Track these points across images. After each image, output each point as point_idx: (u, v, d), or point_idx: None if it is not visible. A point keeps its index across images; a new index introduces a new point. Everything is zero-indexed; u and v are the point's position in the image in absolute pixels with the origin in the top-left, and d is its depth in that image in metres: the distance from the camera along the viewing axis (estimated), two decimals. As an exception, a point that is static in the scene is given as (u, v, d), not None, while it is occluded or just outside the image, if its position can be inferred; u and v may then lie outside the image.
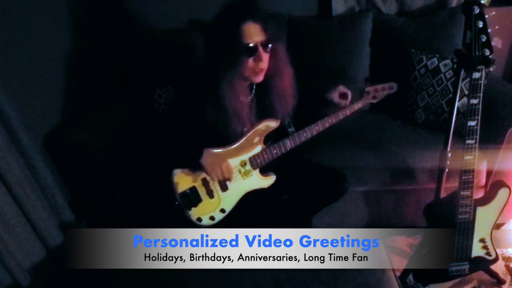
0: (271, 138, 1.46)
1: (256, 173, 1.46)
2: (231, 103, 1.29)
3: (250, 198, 1.46)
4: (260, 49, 1.23)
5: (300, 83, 1.43)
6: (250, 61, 1.24)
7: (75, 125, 1.58)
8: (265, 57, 1.25)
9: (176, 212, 1.40)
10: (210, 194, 1.41)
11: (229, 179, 1.39)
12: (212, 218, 1.41)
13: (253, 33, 1.22)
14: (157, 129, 1.41)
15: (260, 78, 1.30)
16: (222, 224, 1.43)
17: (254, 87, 1.40)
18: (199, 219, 1.40)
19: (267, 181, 1.48)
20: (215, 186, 1.42)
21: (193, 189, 1.39)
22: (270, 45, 1.25)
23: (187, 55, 1.92)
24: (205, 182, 1.40)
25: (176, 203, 1.39)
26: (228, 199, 1.43)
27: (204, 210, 1.41)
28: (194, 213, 1.40)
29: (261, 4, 1.28)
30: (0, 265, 1.19)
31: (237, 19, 1.21)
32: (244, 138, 1.41)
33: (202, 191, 1.40)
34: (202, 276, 1.16)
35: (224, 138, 1.37)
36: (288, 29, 2.01)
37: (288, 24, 2.02)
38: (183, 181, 1.40)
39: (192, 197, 1.39)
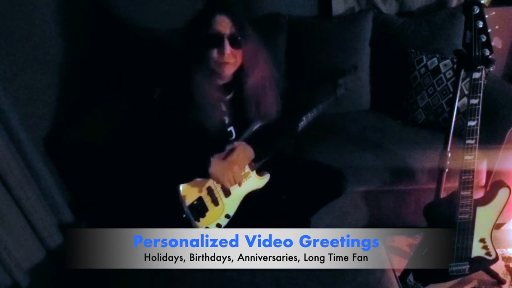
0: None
1: (253, 174, 1.47)
2: (199, 95, 1.29)
3: (250, 200, 1.46)
4: (226, 40, 1.24)
5: (287, 89, 1.46)
6: (215, 52, 1.25)
7: (75, 125, 1.58)
8: (231, 50, 1.25)
9: (184, 224, 1.38)
10: (215, 202, 1.40)
11: (240, 183, 1.40)
12: (218, 225, 1.41)
13: (220, 24, 1.24)
14: (152, 137, 1.41)
15: (225, 72, 1.30)
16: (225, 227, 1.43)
17: (232, 87, 1.39)
18: (206, 228, 1.40)
19: (263, 180, 1.49)
20: (219, 194, 1.41)
21: (200, 200, 1.38)
22: (237, 39, 1.25)
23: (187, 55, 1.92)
24: (210, 191, 1.40)
25: (184, 216, 1.37)
26: (231, 204, 1.44)
27: (211, 219, 1.40)
28: (202, 224, 1.38)
29: (240, 2, 1.31)
30: (0, 266, 1.18)
31: (208, 10, 1.26)
32: (243, 138, 1.43)
33: (208, 200, 1.39)
34: (202, 276, 1.16)
35: (211, 137, 1.36)
36: (288, 29, 2.01)
37: (288, 24, 2.02)
38: (189, 193, 1.37)
39: (200, 208, 1.38)
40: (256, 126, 1.45)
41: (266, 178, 1.49)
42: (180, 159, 1.37)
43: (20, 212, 1.29)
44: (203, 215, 1.38)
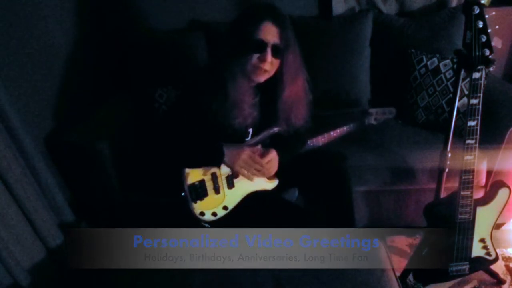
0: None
1: None
2: (232, 93, 1.29)
3: (253, 199, 1.46)
4: (269, 49, 1.25)
5: (313, 106, 1.47)
6: (255, 57, 1.26)
7: (75, 125, 1.58)
8: (271, 59, 1.27)
9: (180, 204, 1.40)
10: (217, 189, 1.41)
11: (264, 172, 1.40)
12: (214, 214, 1.41)
13: (268, 32, 1.24)
14: (161, 128, 1.41)
15: (260, 79, 1.31)
16: (223, 221, 1.43)
17: (259, 90, 1.40)
18: (202, 213, 1.40)
19: (271, 184, 1.49)
20: (222, 183, 1.42)
21: (202, 182, 1.39)
22: (279, 50, 1.26)
23: (187, 55, 1.92)
24: (214, 177, 1.41)
25: (183, 194, 1.39)
26: (232, 197, 1.44)
27: (208, 205, 1.41)
28: (198, 206, 1.40)
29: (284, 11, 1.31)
30: (0, 265, 1.19)
31: (258, 15, 1.25)
32: (257, 138, 1.44)
33: (209, 186, 1.41)
34: (202, 276, 1.16)
35: (228, 134, 1.37)
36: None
37: (288, 24, 2.02)
38: (193, 172, 1.39)
39: (200, 190, 1.39)
40: (273, 130, 1.46)
41: (274, 182, 1.50)
42: (193, 150, 1.38)
43: (20, 212, 1.29)
44: (201, 199, 1.39)
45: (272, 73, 1.32)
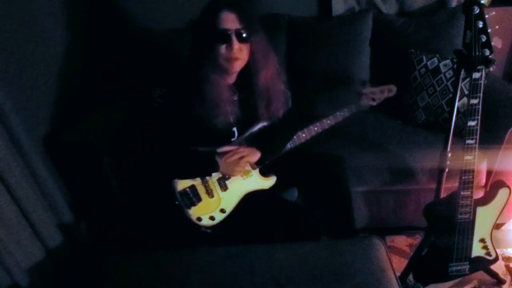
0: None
1: (255, 173, 1.46)
2: (210, 91, 1.29)
3: (252, 200, 1.45)
4: (233, 36, 1.24)
5: (294, 86, 1.44)
6: (223, 48, 1.26)
7: (74, 125, 1.58)
8: (239, 45, 1.26)
9: (177, 211, 1.40)
10: (210, 193, 1.41)
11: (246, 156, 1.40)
12: (212, 218, 1.41)
13: (227, 20, 1.24)
14: (152, 141, 1.42)
15: (235, 68, 1.31)
16: (223, 225, 1.43)
17: (236, 87, 1.40)
18: (199, 219, 1.40)
19: (268, 182, 1.48)
20: (214, 186, 1.42)
21: (193, 188, 1.39)
22: (244, 35, 1.25)
23: (186, 55, 1.91)
24: (204, 181, 1.40)
25: (177, 202, 1.39)
26: (228, 199, 1.43)
27: (204, 209, 1.41)
28: (194, 212, 1.39)
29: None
30: (-1, 265, 1.19)
31: (214, 6, 1.25)
32: (243, 136, 1.43)
33: (201, 190, 1.40)
34: (200, 276, 1.15)
35: (214, 137, 1.37)
36: (288, 29, 2.01)
37: (288, 24, 2.02)
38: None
39: (192, 196, 1.39)
40: (258, 126, 1.45)
41: (272, 180, 1.49)
42: (187, 163, 1.38)
43: (19, 212, 1.29)
44: (195, 204, 1.39)
45: (245, 59, 1.31)
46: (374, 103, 1.60)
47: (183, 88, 1.34)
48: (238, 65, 1.30)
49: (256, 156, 1.41)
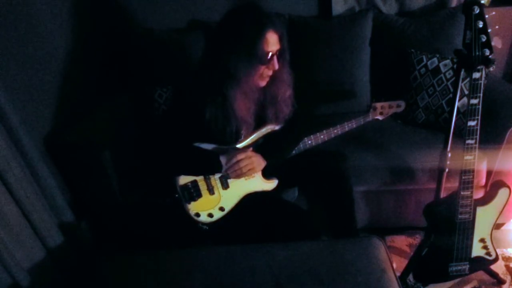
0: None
1: (258, 175, 1.46)
2: (239, 106, 1.29)
3: (251, 200, 1.45)
4: (275, 58, 1.26)
5: (297, 89, 1.45)
6: (263, 68, 1.27)
7: (75, 125, 1.58)
8: (278, 65, 1.28)
9: (175, 205, 1.40)
10: (211, 190, 1.41)
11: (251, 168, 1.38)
12: (210, 215, 1.41)
13: (273, 42, 1.24)
14: (156, 137, 1.41)
15: (264, 83, 1.33)
16: (221, 223, 1.43)
17: (258, 96, 1.40)
18: (197, 214, 1.40)
19: (269, 185, 1.48)
20: (216, 183, 1.42)
21: (194, 183, 1.40)
22: (284, 54, 1.28)
23: (187, 55, 1.92)
24: (206, 178, 1.41)
25: (177, 195, 1.39)
26: (228, 198, 1.43)
27: (203, 206, 1.41)
28: (193, 207, 1.40)
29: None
30: (0, 265, 1.18)
31: (259, 27, 1.22)
32: (249, 139, 1.43)
33: (203, 186, 1.41)
34: (202, 276, 1.16)
35: (218, 138, 1.37)
36: (288, 29, 2.01)
37: (288, 24, 2.02)
38: None
39: (193, 191, 1.39)
40: (265, 129, 1.45)
41: (273, 183, 1.49)
42: (190, 161, 1.38)
43: (20, 212, 1.29)
44: (195, 199, 1.39)
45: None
46: (381, 118, 1.61)
47: (196, 92, 1.32)
48: (266, 81, 1.32)
49: (262, 166, 1.41)
